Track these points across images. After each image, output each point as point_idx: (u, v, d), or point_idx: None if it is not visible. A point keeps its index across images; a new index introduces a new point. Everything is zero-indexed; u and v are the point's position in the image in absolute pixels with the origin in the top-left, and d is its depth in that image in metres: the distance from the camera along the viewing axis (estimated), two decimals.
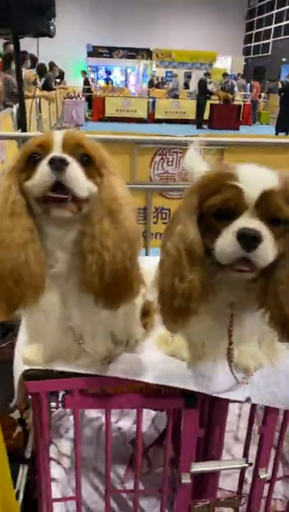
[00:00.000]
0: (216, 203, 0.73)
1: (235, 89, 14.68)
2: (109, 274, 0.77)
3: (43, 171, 0.75)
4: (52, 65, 9.55)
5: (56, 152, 0.76)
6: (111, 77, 21.07)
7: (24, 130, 2.68)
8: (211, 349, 0.91)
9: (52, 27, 2.39)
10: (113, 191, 0.79)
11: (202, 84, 13.31)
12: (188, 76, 19.44)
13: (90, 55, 19.43)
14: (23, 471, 1.48)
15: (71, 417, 1.62)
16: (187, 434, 1.00)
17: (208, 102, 13.82)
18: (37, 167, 0.76)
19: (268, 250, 0.70)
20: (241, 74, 19.55)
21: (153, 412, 1.71)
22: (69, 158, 0.75)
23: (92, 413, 1.64)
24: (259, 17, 21.16)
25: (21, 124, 2.65)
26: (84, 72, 16.93)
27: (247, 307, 0.81)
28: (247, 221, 0.71)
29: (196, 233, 0.76)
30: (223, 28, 20.95)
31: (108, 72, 19.60)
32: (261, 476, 1.06)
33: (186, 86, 18.45)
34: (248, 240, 0.70)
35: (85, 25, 19.18)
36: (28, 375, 0.91)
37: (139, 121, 14.62)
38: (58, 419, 1.61)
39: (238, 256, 0.71)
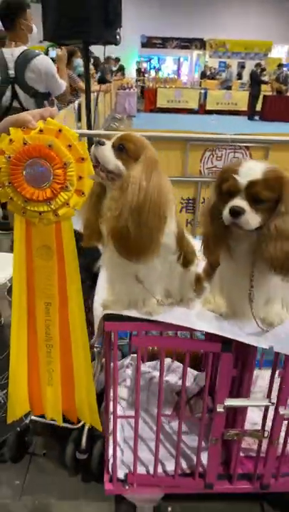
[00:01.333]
0: (225, 187, 1.09)
1: None
2: (113, 225, 1.06)
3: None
4: (108, 58, 9.88)
5: (102, 139, 1.09)
6: (163, 66, 21.25)
7: (90, 127, 3.02)
8: (241, 306, 1.20)
9: (118, 36, 2.70)
10: (133, 172, 1.06)
11: (254, 75, 13.24)
12: (241, 66, 19.26)
13: (143, 45, 19.65)
14: None
15: (127, 370, 1.97)
16: (223, 373, 1.30)
17: (262, 93, 13.75)
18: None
19: (248, 219, 1.06)
20: None
21: (195, 372, 2.02)
22: (106, 142, 1.07)
23: (145, 368, 1.97)
24: None
25: (88, 120, 2.99)
26: (138, 63, 17.20)
27: (263, 267, 1.10)
28: (237, 201, 1.07)
29: (216, 201, 1.13)
30: (280, 16, 20.39)
31: (159, 63, 19.84)
32: (281, 413, 1.34)
33: (240, 76, 18.33)
34: (234, 212, 1.05)
35: (140, 16, 19.35)
36: (105, 318, 1.24)
37: (190, 111, 14.76)
38: (119, 369, 1.96)
39: (231, 221, 1.07)
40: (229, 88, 15.87)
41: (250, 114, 13.74)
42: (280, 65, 15.11)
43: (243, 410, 1.40)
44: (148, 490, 1.52)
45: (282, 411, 1.34)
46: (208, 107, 15.00)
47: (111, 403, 1.41)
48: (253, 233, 1.09)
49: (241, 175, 1.07)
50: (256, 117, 13.84)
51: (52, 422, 1.82)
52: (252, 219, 1.06)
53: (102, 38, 2.66)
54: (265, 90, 14.05)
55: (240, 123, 12.94)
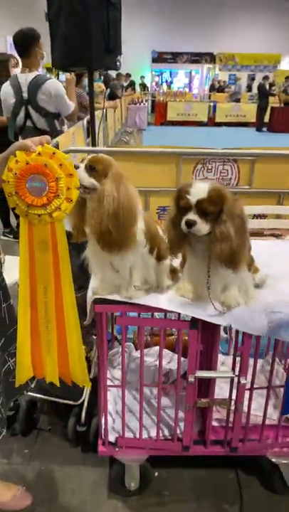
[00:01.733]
0: (181, 204, 1.38)
1: None
2: (93, 230, 1.35)
3: None
4: (118, 74, 10.29)
5: (77, 163, 1.36)
6: (175, 80, 21.73)
7: (94, 143, 3.35)
8: (203, 291, 1.48)
9: (118, 63, 3.03)
10: (104, 187, 1.34)
11: (261, 88, 13.56)
12: (251, 78, 19.63)
13: (154, 60, 20.17)
14: (86, 388, 2.12)
15: (120, 358, 2.25)
16: (192, 348, 1.57)
17: (270, 105, 14.06)
18: None
19: (199, 228, 1.35)
20: None
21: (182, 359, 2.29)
22: (80, 165, 1.35)
23: (137, 354, 2.25)
24: None
25: (93, 137, 3.32)
26: (142, 78, 17.65)
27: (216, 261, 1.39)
28: (190, 215, 1.35)
29: (176, 214, 1.41)
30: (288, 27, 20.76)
31: (170, 77, 20.36)
32: (242, 382, 1.61)
33: (249, 88, 18.68)
34: (188, 224, 1.34)
35: (150, 32, 19.92)
36: (95, 301, 1.53)
37: (200, 124, 15.12)
38: (112, 356, 2.24)
39: (187, 230, 1.36)
40: (238, 101, 16.22)
41: (259, 125, 14.05)
42: (288, 78, 15.40)
43: (212, 382, 1.67)
44: (135, 451, 1.79)
45: (243, 381, 1.61)
46: (218, 120, 15.37)
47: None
48: (205, 237, 1.37)
49: (192, 194, 1.35)
50: (264, 129, 14.13)
51: (56, 400, 2.13)
52: (202, 228, 1.35)
53: (103, 65, 3.00)
54: (274, 102, 14.35)
55: (248, 135, 13.24)
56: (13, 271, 1.52)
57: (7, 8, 19.56)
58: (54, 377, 1.52)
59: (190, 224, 1.34)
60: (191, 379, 1.62)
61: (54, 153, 1.24)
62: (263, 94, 13.79)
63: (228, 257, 1.33)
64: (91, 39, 2.81)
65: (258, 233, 2.75)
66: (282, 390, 1.77)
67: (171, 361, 2.24)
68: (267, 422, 1.79)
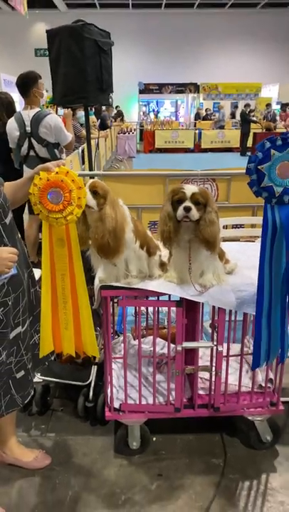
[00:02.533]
0: (175, 198, 1.81)
1: (277, 118, 15.55)
2: (97, 243, 1.77)
3: None
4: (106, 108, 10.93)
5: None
6: (162, 109, 22.65)
7: (91, 168, 3.82)
8: (185, 276, 1.91)
9: (110, 99, 3.54)
10: (106, 210, 1.76)
11: (243, 115, 14.32)
12: (234, 106, 20.53)
13: (141, 91, 21.10)
14: (93, 370, 2.51)
15: (121, 346, 2.65)
16: (178, 322, 1.99)
17: (252, 131, 14.81)
18: None
19: (194, 213, 1.77)
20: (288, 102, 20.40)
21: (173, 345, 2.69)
22: (88, 192, 1.76)
23: (135, 342, 2.64)
24: None
25: (89, 163, 3.80)
26: (117, 107, 18.29)
27: (198, 244, 1.82)
28: (187, 203, 1.78)
29: (170, 208, 1.83)
30: (270, 57, 21.85)
31: (157, 107, 21.31)
32: (219, 349, 2.02)
33: (233, 116, 19.55)
34: (186, 209, 1.76)
35: (137, 65, 20.94)
36: (102, 287, 1.95)
37: (186, 151, 15.81)
38: (114, 344, 2.64)
39: (184, 215, 1.78)
40: (222, 127, 17.01)
41: (242, 150, 14.77)
42: (268, 105, 16.26)
43: (196, 351, 2.08)
44: (135, 415, 2.18)
45: (220, 348, 2.02)
46: (203, 146, 16.09)
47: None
48: (192, 224, 1.82)
49: (187, 190, 1.81)
50: (248, 153, 14.83)
51: (67, 382, 2.51)
52: (195, 214, 1.79)
53: (97, 102, 3.50)
54: (256, 128, 15.12)
55: (232, 159, 13.91)
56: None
57: None
58: (71, 349, 1.92)
59: (188, 209, 1.78)
60: (178, 348, 2.03)
61: (68, 172, 1.69)
62: (245, 121, 14.57)
63: (213, 238, 1.79)
64: (87, 80, 3.32)
65: (236, 240, 3.20)
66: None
67: (163, 348, 2.63)
68: (243, 389, 2.20)
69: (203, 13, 21.05)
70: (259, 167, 1.65)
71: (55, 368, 2.60)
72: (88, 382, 2.48)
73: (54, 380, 2.57)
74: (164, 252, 2.09)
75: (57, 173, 1.68)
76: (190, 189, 1.82)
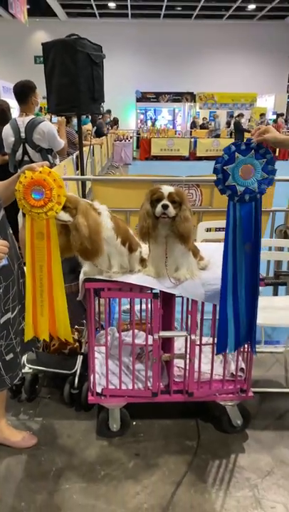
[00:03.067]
0: (154, 197, 2.01)
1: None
2: (76, 248, 1.96)
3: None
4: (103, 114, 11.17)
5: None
6: (159, 117, 22.99)
7: (83, 173, 4.03)
8: (162, 270, 2.11)
9: (101, 108, 3.75)
10: (78, 220, 1.94)
11: (237, 125, 14.62)
12: (230, 116, 20.89)
13: (138, 100, 21.46)
14: (78, 359, 2.69)
15: (102, 338, 2.84)
16: (155, 314, 2.18)
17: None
18: None
19: (171, 210, 1.97)
20: (283, 112, 20.80)
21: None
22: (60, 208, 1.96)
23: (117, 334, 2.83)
24: None
25: (81, 168, 4.00)
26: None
27: (173, 240, 2.02)
28: (164, 201, 1.98)
29: (149, 206, 2.03)
30: (266, 68, 22.25)
31: (155, 115, 21.67)
32: (192, 338, 2.22)
33: (228, 125, 19.88)
34: (164, 206, 1.96)
35: (135, 74, 21.31)
36: (85, 280, 2.15)
37: (182, 158, 16.08)
38: (99, 337, 2.82)
39: (162, 212, 1.98)
40: (218, 136, 17.31)
41: None
42: (262, 115, 16.57)
43: (171, 340, 2.28)
44: (116, 399, 2.36)
45: (193, 337, 2.22)
46: (199, 154, 16.37)
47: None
48: (169, 221, 2.02)
49: (164, 190, 2.02)
50: None
51: (54, 371, 2.68)
52: (172, 211, 2.00)
53: (89, 111, 3.72)
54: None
55: None
56: None
57: None
58: (45, 334, 2.11)
59: (165, 206, 1.99)
60: (155, 337, 2.22)
61: (50, 172, 1.90)
62: (238, 130, 14.86)
63: (188, 233, 1.99)
64: (79, 90, 3.53)
65: (218, 241, 3.40)
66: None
67: (144, 340, 2.82)
68: (217, 377, 2.39)
69: (200, 24, 21.49)
70: (224, 167, 1.87)
71: (43, 358, 2.78)
72: (74, 370, 2.66)
73: (42, 368, 2.75)
74: (144, 249, 2.30)
75: (40, 172, 1.89)
76: (167, 189, 2.02)
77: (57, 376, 2.79)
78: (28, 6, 15.20)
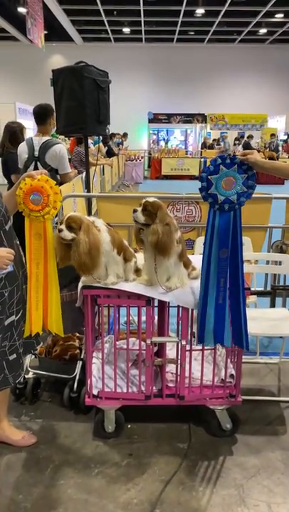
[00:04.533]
0: (138, 204, 2.19)
1: (280, 148, 16.08)
2: (76, 264, 2.14)
3: (56, 231, 2.17)
4: (111, 135, 11.52)
5: (61, 225, 2.15)
6: (171, 137, 23.43)
7: (89, 191, 4.25)
8: (153, 278, 2.28)
9: (107, 130, 3.98)
10: (79, 237, 2.12)
11: (246, 145, 14.87)
12: (241, 136, 21.20)
13: (150, 121, 21.95)
14: (78, 364, 2.84)
15: (106, 345, 2.99)
16: (147, 319, 2.34)
17: None
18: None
19: (138, 215, 2.17)
20: None
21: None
22: (64, 228, 2.14)
23: (116, 342, 2.98)
24: None
25: (88, 186, 4.22)
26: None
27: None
28: (137, 207, 2.19)
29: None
30: (277, 90, 22.60)
31: (167, 136, 22.17)
32: (183, 343, 2.36)
33: (237, 143, 20.13)
34: (134, 211, 2.18)
35: (147, 95, 21.85)
36: (83, 287, 2.32)
37: (191, 178, 16.35)
38: (98, 344, 2.97)
39: (133, 216, 2.18)
40: None
41: None
42: (273, 135, 16.81)
43: (163, 346, 2.42)
44: (111, 401, 2.50)
45: (183, 342, 2.36)
46: None
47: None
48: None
49: (144, 200, 2.21)
50: None
51: (55, 375, 2.84)
52: (139, 216, 2.18)
53: (96, 132, 3.95)
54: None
55: None
56: None
57: (13, 74, 21.50)
58: (39, 328, 2.28)
59: (134, 211, 2.18)
60: (148, 342, 2.37)
61: (47, 180, 2.11)
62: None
63: (154, 245, 2.15)
64: (86, 113, 3.76)
65: None
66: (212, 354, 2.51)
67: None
68: (208, 383, 2.52)
69: (212, 47, 21.98)
70: (209, 177, 2.06)
71: (45, 364, 2.95)
72: (73, 375, 2.81)
73: (44, 373, 2.91)
74: (139, 260, 2.47)
75: (39, 180, 2.10)
76: (146, 199, 2.21)
77: (58, 381, 2.94)
78: (46, 32, 15.87)
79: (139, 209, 2.19)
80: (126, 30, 20.29)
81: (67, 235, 2.14)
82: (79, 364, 2.84)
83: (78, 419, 2.74)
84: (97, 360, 2.74)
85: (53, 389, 3.02)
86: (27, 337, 2.30)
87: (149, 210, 2.19)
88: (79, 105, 3.72)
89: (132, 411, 2.56)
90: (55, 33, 18.86)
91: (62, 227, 2.15)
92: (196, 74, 22.18)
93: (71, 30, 19.41)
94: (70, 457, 2.42)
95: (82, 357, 2.88)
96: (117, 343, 2.95)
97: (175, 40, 21.40)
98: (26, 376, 2.90)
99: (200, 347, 2.48)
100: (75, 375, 2.82)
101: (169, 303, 2.38)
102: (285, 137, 20.63)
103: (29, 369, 2.90)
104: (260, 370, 3.30)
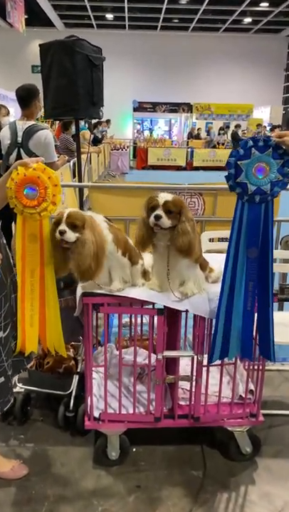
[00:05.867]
0: (152, 204, 1.83)
1: None
2: (79, 268, 1.78)
3: (57, 234, 1.76)
4: (96, 123, 11.05)
5: (62, 225, 1.76)
6: (156, 127, 22.98)
7: (80, 180, 3.86)
8: (165, 283, 1.93)
9: (101, 112, 3.58)
10: (85, 236, 1.77)
11: (234, 135, 14.57)
12: (227, 126, 20.88)
13: (135, 110, 21.44)
14: (74, 379, 2.49)
15: (100, 356, 2.64)
16: (159, 330, 1.99)
17: None
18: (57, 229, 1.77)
19: (164, 221, 1.79)
20: (279, 124, 20.77)
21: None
22: (66, 228, 1.75)
23: (117, 352, 2.63)
24: None
25: (79, 175, 3.83)
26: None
27: (174, 252, 1.84)
28: (158, 211, 1.80)
29: (145, 215, 1.86)
30: (262, 80, 22.34)
31: (151, 125, 21.73)
32: (199, 359, 2.03)
33: (221, 133, 19.81)
34: (157, 217, 1.78)
35: (132, 84, 21.33)
36: (83, 294, 1.96)
37: (178, 168, 15.99)
38: (96, 355, 2.62)
39: (154, 222, 1.80)
40: (215, 147, 17.23)
41: None
42: (259, 125, 16.54)
43: (176, 361, 2.09)
44: (115, 425, 2.16)
45: (200, 358, 2.03)
46: (195, 164, 16.27)
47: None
48: (167, 232, 1.84)
49: (160, 198, 1.84)
50: None
51: (47, 392, 2.48)
52: (166, 221, 1.82)
53: (88, 115, 3.54)
54: None
55: (222, 178, 14.02)
56: None
57: None
58: (33, 347, 1.91)
59: (157, 217, 1.81)
60: (159, 357, 2.03)
61: (44, 169, 1.72)
62: (236, 141, 14.80)
63: (186, 247, 1.82)
64: (78, 93, 3.36)
65: (222, 252, 3.23)
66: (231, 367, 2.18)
67: (146, 359, 2.63)
68: (224, 400, 2.20)
69: (197, 36, 21.55)
70: (238, 162, 1.71)
71: (36, 377, 2.58)
72: (69, 391, 2.46)
73: (35, 389, 2.55)
74: (146, 261, 2.12)
75: (34, 169, 1.72)
76: (163, 197, 1.85)
77: (50, 396, 2.59)
78: (26, 16, 15.19)
79: (162, 213, 1.82)
80: (109, 16, 19.70)
81: (72, 236, 1.76)
82: (75, 378, 2.49)
83: (75, 442, 2.39)
84: (97, 375, 2.39)
85: (44, 405, 2.66)
86: (16, 354, 1.93)
87: (173, 210, 1.84)
88: (70, 84, 3.31)
89: (136, 430, 2.22)
90: (36, 17, 18.16)
91: (64, 227, 1.76)
92: (181, 63, 21.72)
93: (52, 15, 18.75)
94: (67, 492, 2.07)
95: (78, 370, 2.53)
96: (117, 352, 2.61)
97: (159, 27, 20.89)
98: (14, 390, 2.53)
99: (218, 361, 2.16)
100: (71, 391, 2.46)
101: (182, 311, 2.03)
102: (269, 128, 20.37)
103: (17, 383, 2.53)
104: (274, 379, 2.99)
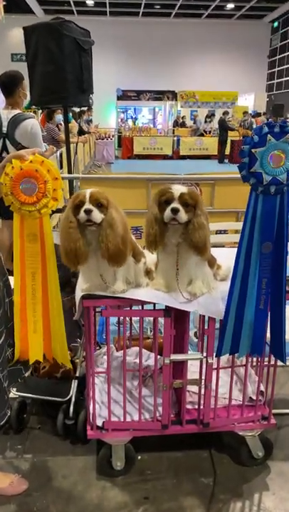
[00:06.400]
0: (163, 198, 1.68)
1: (254, 126, 15.68)
2: (110, 251, 1.64)
3: (82, 214, 1.62)
4: (81, 112, 10.76)
5: (87, 204, 1.63)
6: (139, 116, 22.71)
7: (70, 171, 3.68)
8: (173, 283, 1.79)
9: (91, 100, 3.41)
10: (111, 216, 1.65)
11: (222, 122, 14.40)
12: (212, 114, 20.72)
13: (119, 98, 21.11)
14: (73, 384, 2.35)
15: (105, 357, 2.50)
16: (166, 333, 1.86)
17: (229, 139, 14.90)
18: (80, 211, 1.62)
19: (182, 215, 1.65)
20: (264, 111, 20.68)
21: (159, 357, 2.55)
22: (92, 208, 1.62)
23: (118, 354, 2.50)
24: (281, 55, 22.09)
25: (68, 166, 3.65)
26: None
27: (186, 249, 1.70)
28: (174, 204, 1.66)
29: (157, 210, 1.71)
30: (246, 67, 22.18)
31: (135, 114, 21.43)
32: (209, 361, 1.90)
33: (208, 120, 19.65)
34: (174, 211, 1.64)
35: (115, 72, 20.94)
36: (83, 297, 1.81)
37: (165, 157, 15.80)
38: (96, 356, 2.48)
39: (171, 217, 1.65)
40: (202, 135, 17.06)
41: (220, 158, 14.83)
42: (245, 113, 16.41)
43: (184, 364, 1.95)
44: (120, 433, 2.03)
45: (210, 360, 1.90)
46: (182, 153, 16.10)
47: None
48: (180, 228, 1.70)
49: (175, 190, 1.70)
50: (226, 161, 14.91)
51: (45, 398, 2.34)
52: (183, 216, 1.68)
53: (78, 103, 3.36)
54: (234, 136, 15.22)
55: (211, 166, 13.93)
56: None
57: None
58: (38, 355, 1.76)
59: (175, 210, 1.66)
60: (166, 361, 1.89)
61: (43, 161, 1.55)
62: (223, 129, 14.65)
63: (203, 242, 1.68)
64: (66, 79, 3.18)
65: (220, 245, 3.10)
66: (242, 370, 2.07)
67: (148, 359, 2.49)
68: (233, 403, 2.08)
69: (180, 22, 21.23)
70: (253, 150, 1.57)
71: (32, 383, 2.43)
72: (68, 397, 2.31)
73: (31, 396, 2.39)
74: (148, 259, 1.97)
75: (31, 161, 1.56)
76: (178, 189, 1.70)
77: (47, 402, 2.44)
78: (5, 3, 14.69)
79: (179, 206, 1.67)
80: (89, 2, 19.27)
81: (98, 216, 1.63)
82: (74, 384, 2.34)
83: (77, 451, 2.25)
84: (98, 380, 2.25)
85: (41, 411, 2.52)
86: (12, 363, 1.78)
87: (190, 203, 1.70)
88: (58, 70, 3.14)
89: (141, 437, 2.09)
90: (14, 3, 17.61)
91: (90, 206, 1.61)
92: (164, 50, 21.39)
93: (31, 1, 18.25)
94: (71, 507, 1.94)
95: (77, 374, 2.38)
96: (118, 354, 2.47)
97: (141, 13, 20.53)
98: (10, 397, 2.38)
99: (228, 363, 2.03)
100: (70, 398, 2.32)
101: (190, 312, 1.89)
102: (252, 115, 20.23)
103: (12, 390, 2.38)
104: (279, 376, 2.88)
